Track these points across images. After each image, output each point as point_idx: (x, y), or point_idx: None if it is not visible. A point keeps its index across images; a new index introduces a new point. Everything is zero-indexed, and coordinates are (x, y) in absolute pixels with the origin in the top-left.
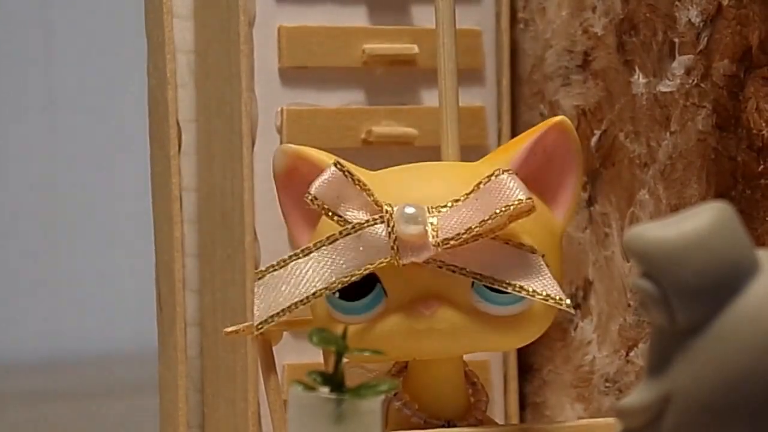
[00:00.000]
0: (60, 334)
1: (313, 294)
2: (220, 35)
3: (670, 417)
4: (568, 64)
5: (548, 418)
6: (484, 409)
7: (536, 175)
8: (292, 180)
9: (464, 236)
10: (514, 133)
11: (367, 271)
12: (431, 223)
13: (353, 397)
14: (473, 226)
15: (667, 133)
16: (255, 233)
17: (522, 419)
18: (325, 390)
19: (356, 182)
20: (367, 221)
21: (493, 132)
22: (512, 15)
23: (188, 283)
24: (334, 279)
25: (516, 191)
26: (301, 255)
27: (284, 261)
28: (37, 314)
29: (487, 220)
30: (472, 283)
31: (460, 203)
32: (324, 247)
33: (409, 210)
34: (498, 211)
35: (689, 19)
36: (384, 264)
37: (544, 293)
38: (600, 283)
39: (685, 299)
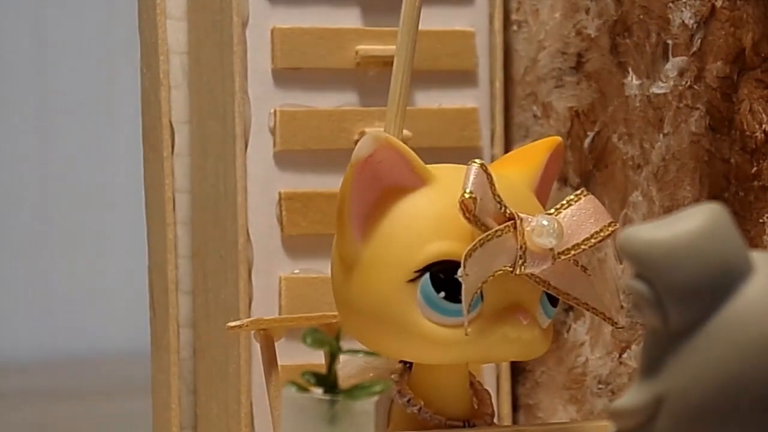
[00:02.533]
0: (53, 334)
1: (474, 294)
2: (213, 36)
3: (664, 418)
4: (561, 66)
5: (541, 420)
6: (491, 411)
7: (539, 192)
8: (366, 166)
9: (573, 252)
10: (507, 135)
11: (492, 277)
12: None
13: (346, 398)
14: (579, 243)
15: (661, 135)
16: (248, 234)
17: (515, 421)
18: (318, 391)
19: (492, 187)
20: (504, 228)
21: (486, 133)
22: (505, 16)
23: (181, 285)
24: (480, 281)
25: (604, 212)
26: (468, 257)
27: (464, 268)
28: (30, 315)
29: (590, 238)
30: (540, 297)
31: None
32: (477, 249)
33: (548, 222)
34: (598, 230)
35: (683, 21)
36: (502, 272)
37: (602, 311)
38: None
39: (679, 300)
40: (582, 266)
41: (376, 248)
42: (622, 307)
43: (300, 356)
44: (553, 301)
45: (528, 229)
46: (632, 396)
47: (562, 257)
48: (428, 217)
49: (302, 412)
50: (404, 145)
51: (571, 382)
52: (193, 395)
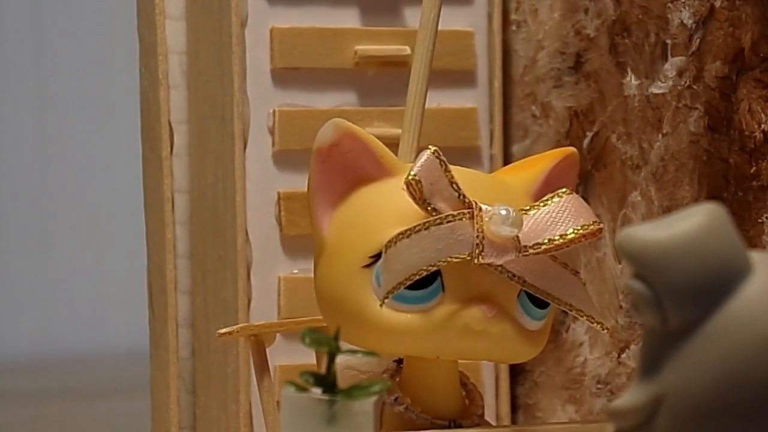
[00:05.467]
0: (52, 334)
1: (411, 276)
2: (212, 36)
3: (663, 418)
4: (560, 66)
5: (540, 420)
6: (481, 412)
7: (539, 197)
8: (331, 154)
9: (544, 246)
10: (506, 135)
11: (445, 264)
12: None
13: (345, 398)
14: (554, 238)
15: (660, 135)
16: (247, 234)
17: (514, 421)
18: (317, 391)
19: (448, 174)
20: (457, 215)
21: (485, 133)
22: (504, 16)
23: (180, 285)
24: (423, 265)
25: (588, 212)
26: (404, 237)
27: (393, 240)
28: (29, 315)
29: (567, 234)
30: (518, 294)
31: (529, 214)
32: (420, 232)
33: (506, 212)
34: (578, 228)
35: (682, 21)
36: (459, 260)
37: (589, 314)
38: (591, 285)
39: (677, 300)
40: (573, 269)
41: (337, 236)
42: (620, 307)
43: (299, 356)
44: (538, 302)
45: (486, 218)
46: (631, 396)
47: (531, 251)
48: (389, 206)
49: (301, 412)
50: (370, 135)
51: (570, 382)
52: (192, 395)
